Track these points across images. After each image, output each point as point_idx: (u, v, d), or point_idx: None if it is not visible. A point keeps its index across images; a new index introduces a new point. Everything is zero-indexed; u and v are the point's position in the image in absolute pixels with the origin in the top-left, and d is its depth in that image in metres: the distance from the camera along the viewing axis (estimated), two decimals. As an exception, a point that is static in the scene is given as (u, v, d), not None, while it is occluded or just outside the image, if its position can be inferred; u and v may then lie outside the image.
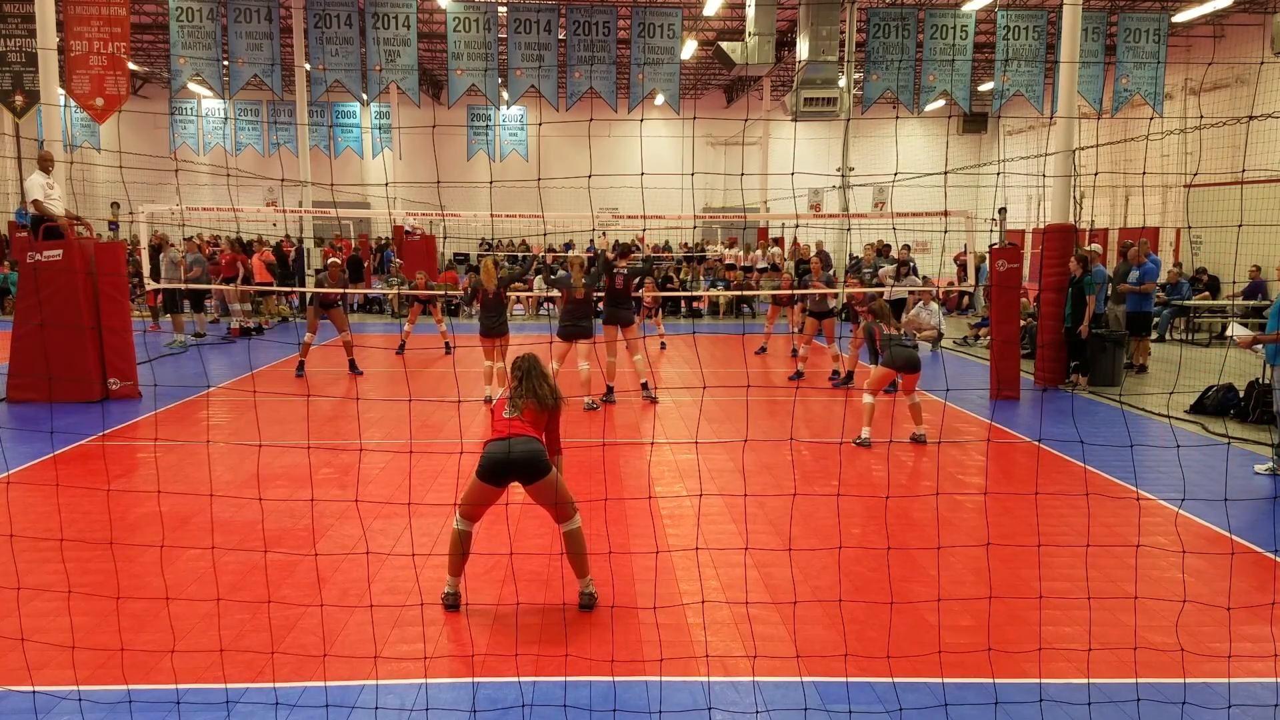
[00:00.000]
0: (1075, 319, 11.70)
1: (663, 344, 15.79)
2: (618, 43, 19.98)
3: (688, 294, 21.46)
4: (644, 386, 10.88)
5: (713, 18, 22.83)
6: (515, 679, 4.13)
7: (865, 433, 8.70)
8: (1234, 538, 6.11)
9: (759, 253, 25.32)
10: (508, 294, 11.52)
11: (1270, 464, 7.89)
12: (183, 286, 16.45)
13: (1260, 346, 7.69)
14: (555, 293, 12.01)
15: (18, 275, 10.72)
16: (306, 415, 8.96)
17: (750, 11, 20.50)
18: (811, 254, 21.58)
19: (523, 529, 6.27)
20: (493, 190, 29.20)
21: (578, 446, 7.61)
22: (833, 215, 23.72)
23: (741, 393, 10.86)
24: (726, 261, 24.70)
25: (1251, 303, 17.41)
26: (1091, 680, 4.15)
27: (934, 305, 16.30)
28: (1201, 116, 21.07)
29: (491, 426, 5.02)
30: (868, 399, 8.81)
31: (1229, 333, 7.93)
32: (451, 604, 4.95)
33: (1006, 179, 26.45)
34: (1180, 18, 21.13)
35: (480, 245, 32.68)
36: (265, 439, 8.63)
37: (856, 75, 22.93)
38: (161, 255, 16.13)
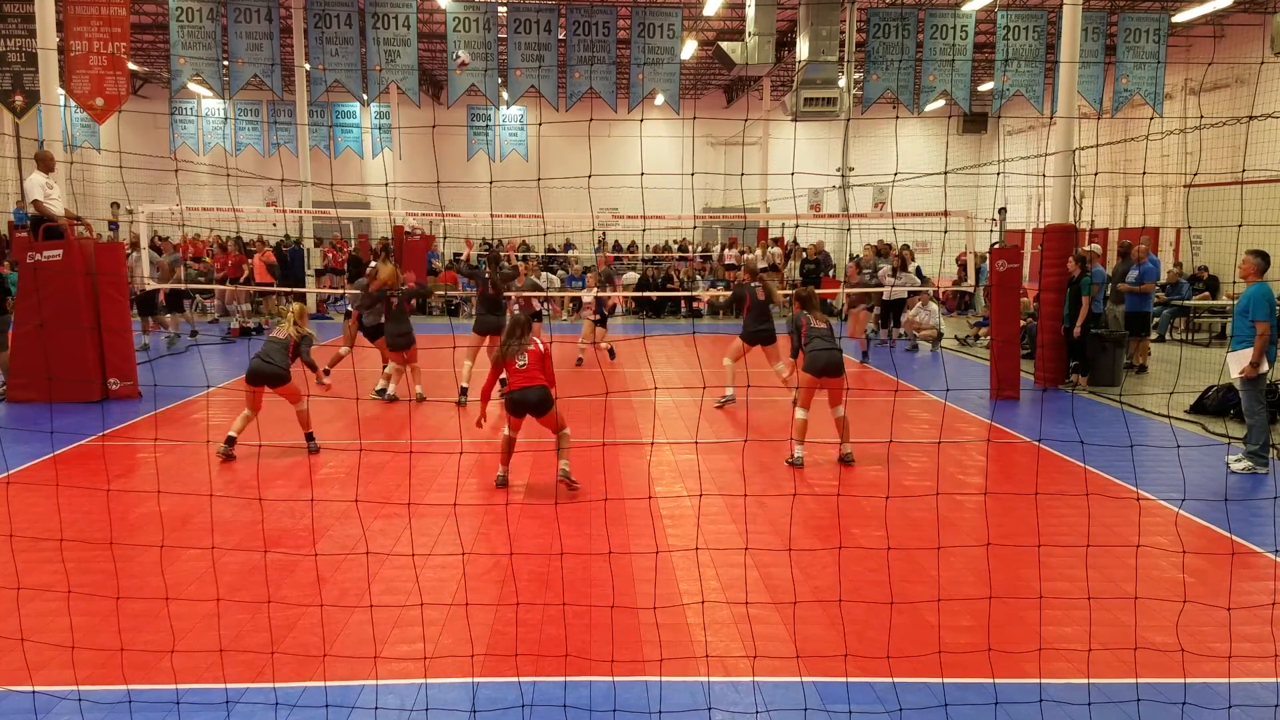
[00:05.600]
0: (1074, 319, 11.70)
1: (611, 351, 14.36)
2: (618, 43, 19.99)
3: (687, 294, 21.47)
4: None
5: (713, 18, 22.83)
6: (515, 679, 4.13)
7: (798, 451, 7.87)
8: (1234, 538, 6.11)
9: (758, 253, 25.33)
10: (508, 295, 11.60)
11: (1248, 461, 7.93)
12: (184, 287, 16.45)
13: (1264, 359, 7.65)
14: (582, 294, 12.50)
15: (18, 275, 10.71)
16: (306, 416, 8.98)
17: (750, 11, 20.51)
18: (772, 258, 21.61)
19: (522, 529, 6.28)
20: (493, 190, 29.22)
21: (578, 446, 7.62)
22: (833, 215, 23.74)
23: (741, 393, 10.85)
24: (727, 262, 24.72)
25: None
26: (1091, 680, 4.15)
27: (933, 305, 16.33)
28: (1201, 116, 21.08)
29: (510, 376, 6.90)
30: (800, 414, 7.88)
31: (1233, 374, 7.89)
32: (502, 483, 7.13)
33: (1006, 179, 26.47)
34: (1180, 18, 21.13)
35: (480, 245, 32.69)
36: (265, 439, 8.63)
37: (856, 75, 22.95)
38: (136, 255, 15.76)
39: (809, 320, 7.94)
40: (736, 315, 10.80)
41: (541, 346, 7.03)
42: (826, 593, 5.09)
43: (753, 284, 10.47)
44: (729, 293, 11.81)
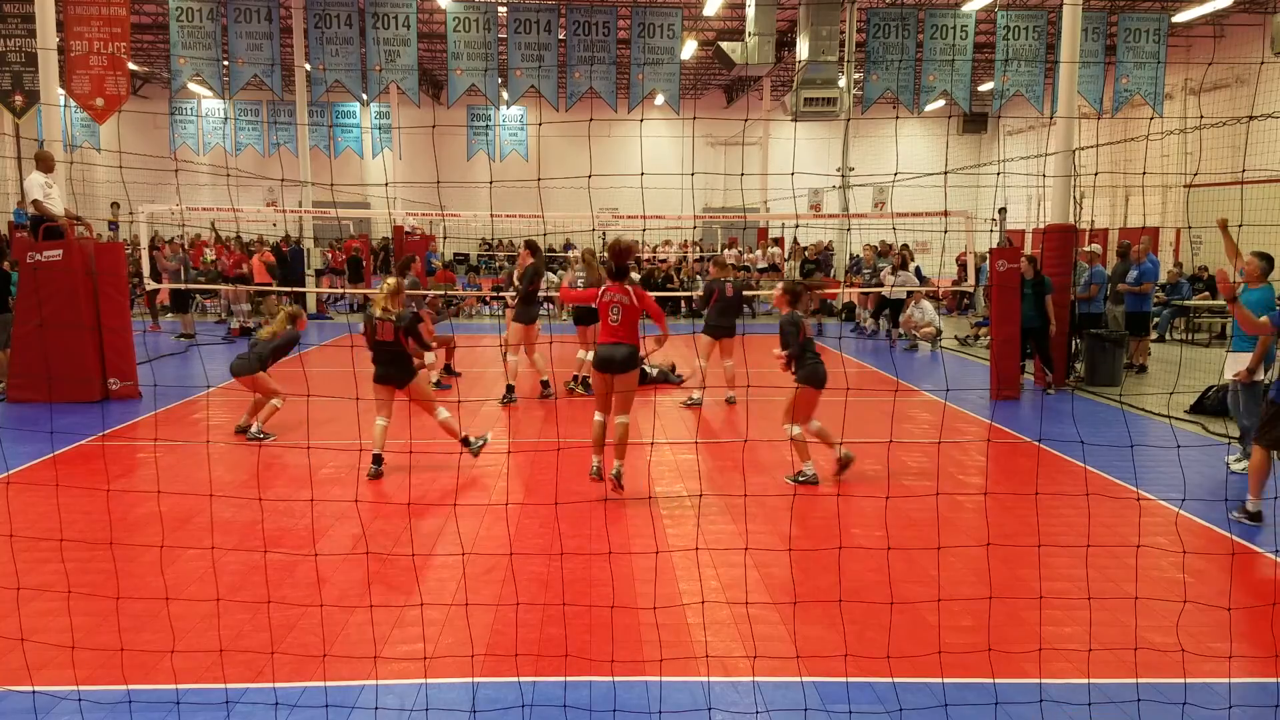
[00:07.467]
0: (1042, 320, 11.62)
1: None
2: (618, 43, 19.99)
3: (688, 294, 21.45)
4: (544, 384, 10.85)
5: (713, 18, 22.83)
6: (515, 679, 4.13)
7: (809, 468, 7.37)
8: (1234, 538, 6.11)
9: (758, 253, 25.35)
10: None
11: (1246, 461, 7.92)
12: (183, 287, 16.46)
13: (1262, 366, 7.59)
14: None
15: (18, 275, 10.72)
16: (306, 415, 8.96)
17: (750, 11, 20.51)
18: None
19: (523, 529, 6.28)
20: (493, 190, 29.22)
21: (578, 447, 7.62)
22: (833, 215, 23.74)
23: (741, 393, 10.85)
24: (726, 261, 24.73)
25: None
26: (1091, 680, 4.15)
27: (925, 304, 16.34)
28: (1201, 116, 21.07)
29: (602, 329, 6.86)
30: (816, 424, 7.33)
31: (1230, 376, 7.81)
32: (596, 475, 6.91)
33: (1006, 179, 26.46)
34: (1180, 18, 21.14)
35: (480, 245, 32.69)
36: (264, 439, 8.64)
37: (856, 75, 22.95)
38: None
39: (804, 324, 7.31)
40: (699, 314, 10.85)
41: (635, 299, 6.78)
42: (826, 593, 5.09)
43: (724, 280, 10.64)
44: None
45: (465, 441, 7.79)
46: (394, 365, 7.52)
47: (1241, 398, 7.82)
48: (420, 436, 7.82)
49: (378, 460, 7.52)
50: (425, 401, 7.69)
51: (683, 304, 21.76)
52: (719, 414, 10.53)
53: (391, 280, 7.76)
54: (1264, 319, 7.01)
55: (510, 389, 10.63)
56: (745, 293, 20.75)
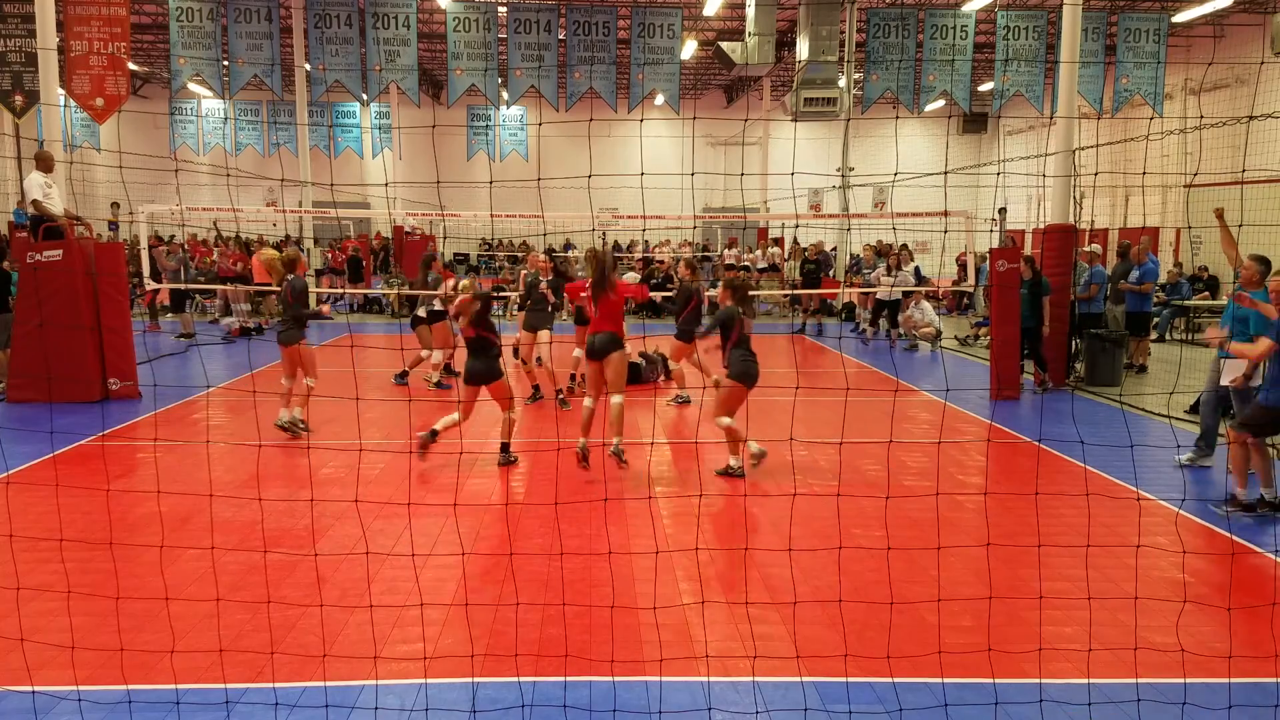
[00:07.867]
0: (1037, 320, 11.66)
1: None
2: (618, 43, 19.99)
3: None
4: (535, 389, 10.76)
5: (713, 18, 22.83)
6: (515, 679, 4.13)
7: (734, 462, 7.58)
8: (1234, 538, 6.11)
9: (758, 253, 25.35)
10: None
11: (1191, 454, 8.00)
12: (183, 287, 16.46)
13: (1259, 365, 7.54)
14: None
15: (18, 275, 10.71)
16: (306, 415, 8.97)
17: (750, 11, 20.52)
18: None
19: (523, 529, 6.28)
20: (493, 190, 29.20)
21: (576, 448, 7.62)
22: (833, 215, 23.74)
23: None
24: (726, 261, 24.73)
25: None
26: (1091, 680, 4.15)
27: (925, 304, 16.34)
28: (1201, 116, 21.07)
29: (591, 321, 7.57)
30: (726, 421, 7.41)
31: (1226, 381, 7.77)
32: (581, 451, 7.50)
33: (1006, 179, 26.45)
34: (1180, 18, 21.14)
35: (480, 245, 32.69)
36: (265, 439, 8.63)
37: (856, 75, 22.95)
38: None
39: (744, 321, 7.45)
40: (677, 316, 10.78)
41: (613, 292, 7.46)
42: (826, 593, 5.09)
43: (699, 284, 10.69)
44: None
45: (504, 447, 7.91)
46: (477, 359, 7.64)
47: (1234, 401, 7.80)
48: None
49: (433, 434, 7.73)
50: (504, 399, 7.79)
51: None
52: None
53: (467, 282, 8.04)
54: (1266, 341, 6.91)
55: (559, 390, 10.61)
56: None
